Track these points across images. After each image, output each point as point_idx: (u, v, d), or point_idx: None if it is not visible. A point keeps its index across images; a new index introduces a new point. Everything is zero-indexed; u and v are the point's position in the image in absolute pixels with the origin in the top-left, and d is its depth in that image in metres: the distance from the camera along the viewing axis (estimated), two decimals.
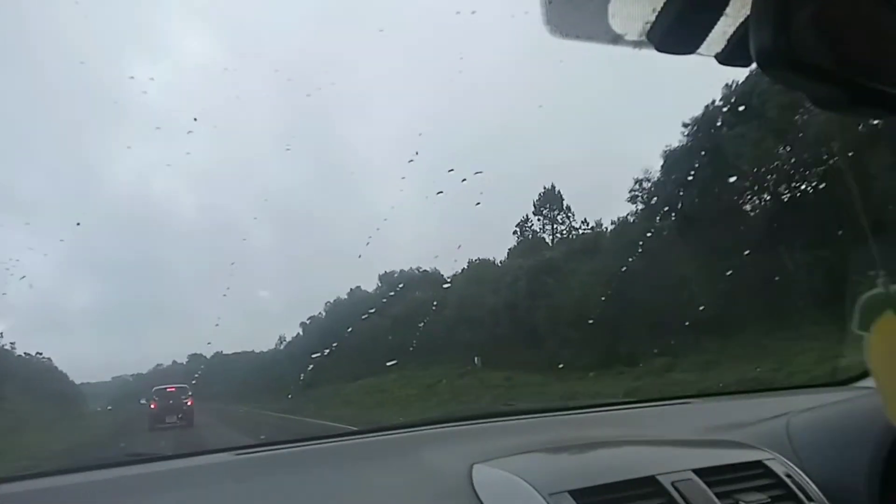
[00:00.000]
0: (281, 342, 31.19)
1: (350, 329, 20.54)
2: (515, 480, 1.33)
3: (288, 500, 1.42)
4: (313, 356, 19.61)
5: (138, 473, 1.53)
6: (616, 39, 0.82)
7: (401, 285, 25.66)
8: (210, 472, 1.57)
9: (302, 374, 19.75)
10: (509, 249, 27.45)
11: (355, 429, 1.85)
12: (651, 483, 1.30)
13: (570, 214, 27.94)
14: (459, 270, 24.31)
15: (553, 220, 28.08)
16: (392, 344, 21.36)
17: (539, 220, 28.34)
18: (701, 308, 14.66)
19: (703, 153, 17.88)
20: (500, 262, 26.76)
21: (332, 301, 29.22)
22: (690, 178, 18.09)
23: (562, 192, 27.85)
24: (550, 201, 28.11)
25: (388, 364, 20.14)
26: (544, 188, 28.11)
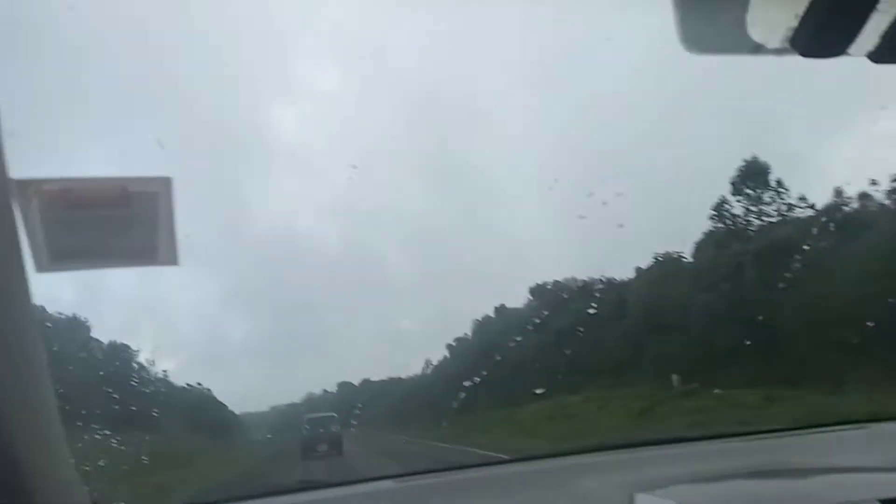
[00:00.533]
0: (428, 366, 31.32)
1: (508, 346, 19.26)
2: None
3: None
4: (470, 379, 17.63)
5: (303, 501, 1.62)
6: (757, 49, 0.81)
7: (564, 295, 24.14)
8: (367, 499, 1.64)
9: (454, 400, 18.06)
10: (697, 242, 23.46)
11: (511, 458, 1.86)
12: None
13: (781, 191, 22.88)
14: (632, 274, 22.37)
15: (758, 200, 23.12)
16: (559, 361, 18.84)
17: (740, 200, 23.44)
18: None
19: None
20: (690, 256, 23.20)
21: (479, 319, 28.85)
22: None
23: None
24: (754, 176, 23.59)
25: (563, 383, 18.05)
26: (744, 161, 23.51)
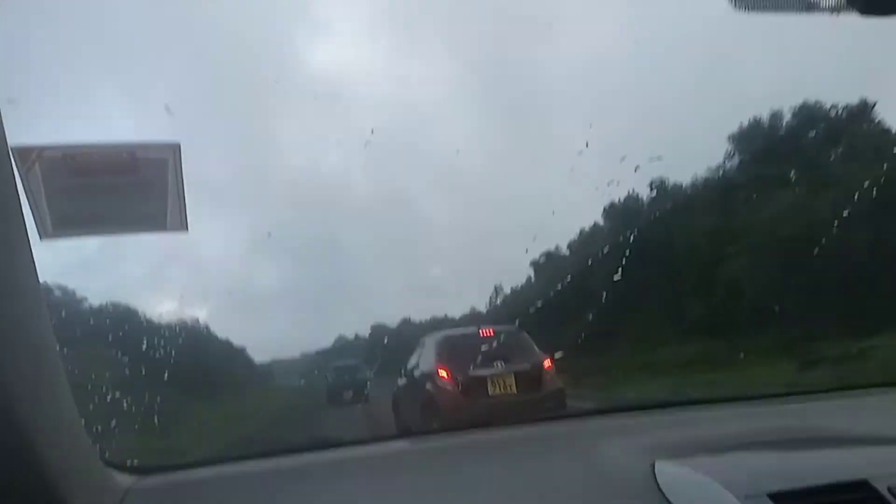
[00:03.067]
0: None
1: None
2: (706, 481, 1.26)
3: (463, 487, 1.44)
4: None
5: (320, 461, 1.62)
6: (811, 7, 0.73)
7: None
8: (391, 459, 1.64)
9: None
10: None
11: (528, 418, 1.85)
12: (863, 488, 1.16)
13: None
14: None
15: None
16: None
17: None
18: None
19: None
20: None
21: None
22: None
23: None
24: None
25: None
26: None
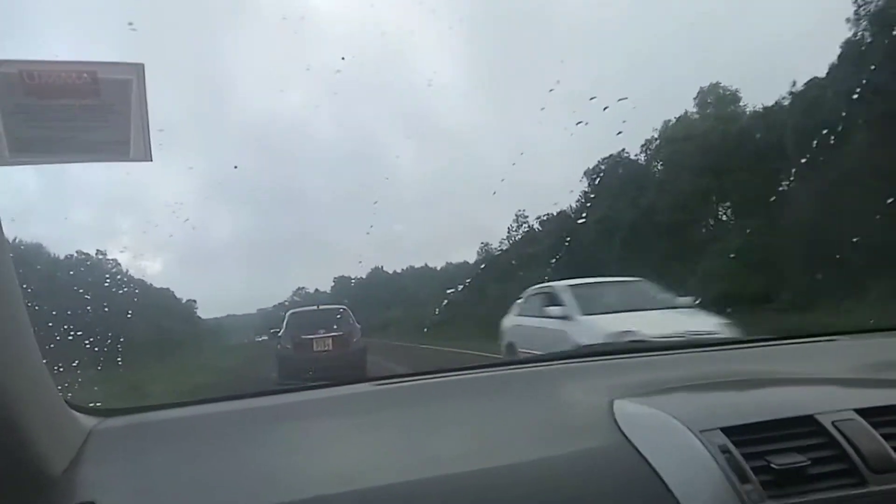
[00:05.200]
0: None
1: None
2: (662, 416, 1.30)
3: (426, 429, 1.48)
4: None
5: (280, 403, 1.64)
6: None
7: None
8: (350, 402, 1.66)
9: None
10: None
11: (491, 362, 1.88)
12: (810, 422, 1.22)
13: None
14: None
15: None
16: None
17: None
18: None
19: None
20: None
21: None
22: None
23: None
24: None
25: None
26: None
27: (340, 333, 11.13)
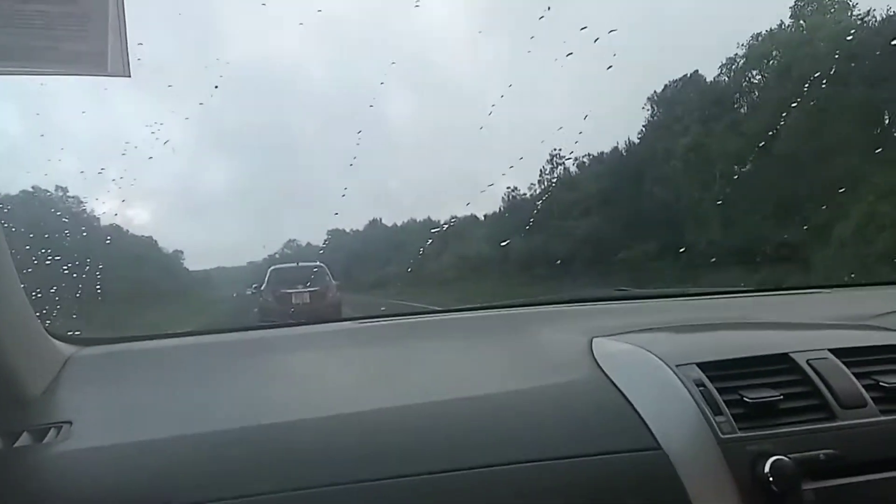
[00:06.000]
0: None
1: None
2: (639, 352, 1.32)
3: (404, 364, 1.50)
4: None
5: (260, 337, 1.65)
6: None
7: None
8: (330, 338, 1.68)
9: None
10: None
11: (471, 306, 1.89)
12: (784, 360, 1.24)
13: None
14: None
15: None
16: None
17: None
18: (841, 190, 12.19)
19: None
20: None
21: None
22: None
23: None
24: None
25: None
26: None
27: (317, 288, 12.32)
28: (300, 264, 15.69)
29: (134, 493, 0.98)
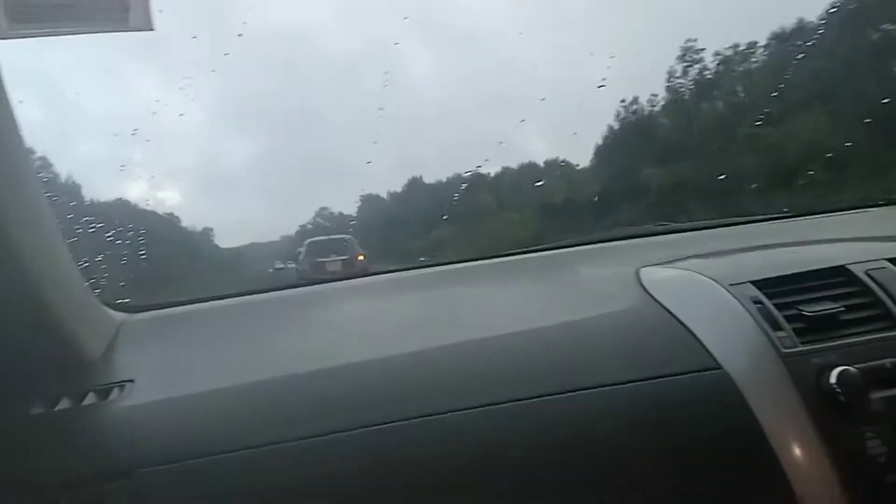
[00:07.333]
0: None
1: None
2: (690, 274, 1.29)
3: (447, 307, 1.49)
4: None
5: (300, 293, 1.67)
6: None
7: None
8: (371, 289, 1.68)
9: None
10: None
11: (512, 250, 1.86)
12: (842, 272, 1.20)
13: None
14: None
15: None
16: None
17: None
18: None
19: None
20: None
21: None
22: None
23: None
24: None
25: None
26: None
27: (346, 257, 13.80)
28: (331, 237, 16.84)
29: (195, 439, 1.02)
